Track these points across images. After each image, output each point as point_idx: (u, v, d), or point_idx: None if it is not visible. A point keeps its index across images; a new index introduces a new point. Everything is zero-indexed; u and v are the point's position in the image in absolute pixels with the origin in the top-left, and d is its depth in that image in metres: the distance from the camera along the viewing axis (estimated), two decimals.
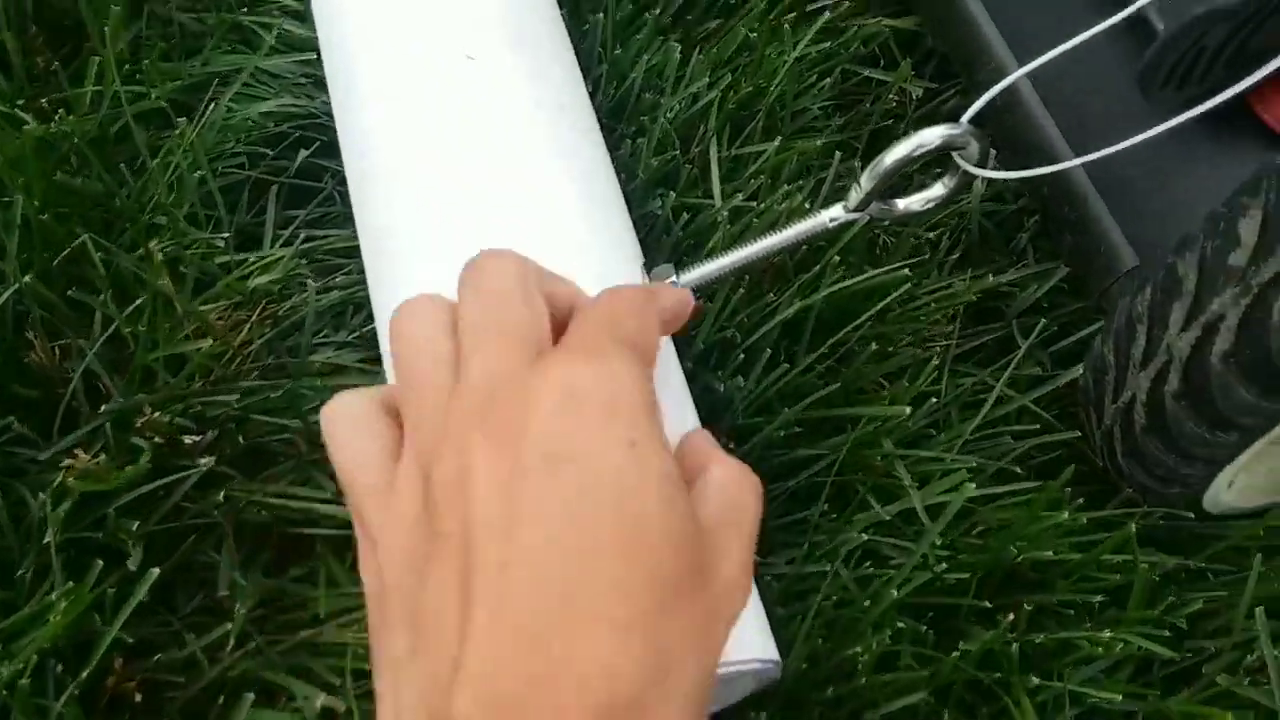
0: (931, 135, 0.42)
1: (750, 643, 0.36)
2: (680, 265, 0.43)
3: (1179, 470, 0.42)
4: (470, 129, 0.46)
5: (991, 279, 0.55)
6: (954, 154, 0.43)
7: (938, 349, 0.54)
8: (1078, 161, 0.45)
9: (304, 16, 0.62)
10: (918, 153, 0.42)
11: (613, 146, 0.57)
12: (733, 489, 0.30)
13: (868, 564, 0.48)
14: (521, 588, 0.24)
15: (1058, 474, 0.52)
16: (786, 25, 0.58)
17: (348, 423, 0.31)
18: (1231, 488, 0.49)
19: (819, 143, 0.59)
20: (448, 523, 0.26)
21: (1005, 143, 0.56)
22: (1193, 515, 0.46)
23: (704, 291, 0.46)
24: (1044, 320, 0.52)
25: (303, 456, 0.51)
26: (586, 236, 0.44)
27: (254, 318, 0.53)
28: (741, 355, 0.49)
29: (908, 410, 0.46)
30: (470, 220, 0.45)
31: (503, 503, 0.25)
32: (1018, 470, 0.48)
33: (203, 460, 0.48)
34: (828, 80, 0.60)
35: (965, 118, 0.42)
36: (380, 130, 0.48)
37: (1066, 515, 0.44)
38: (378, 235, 0.48)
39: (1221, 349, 0.36)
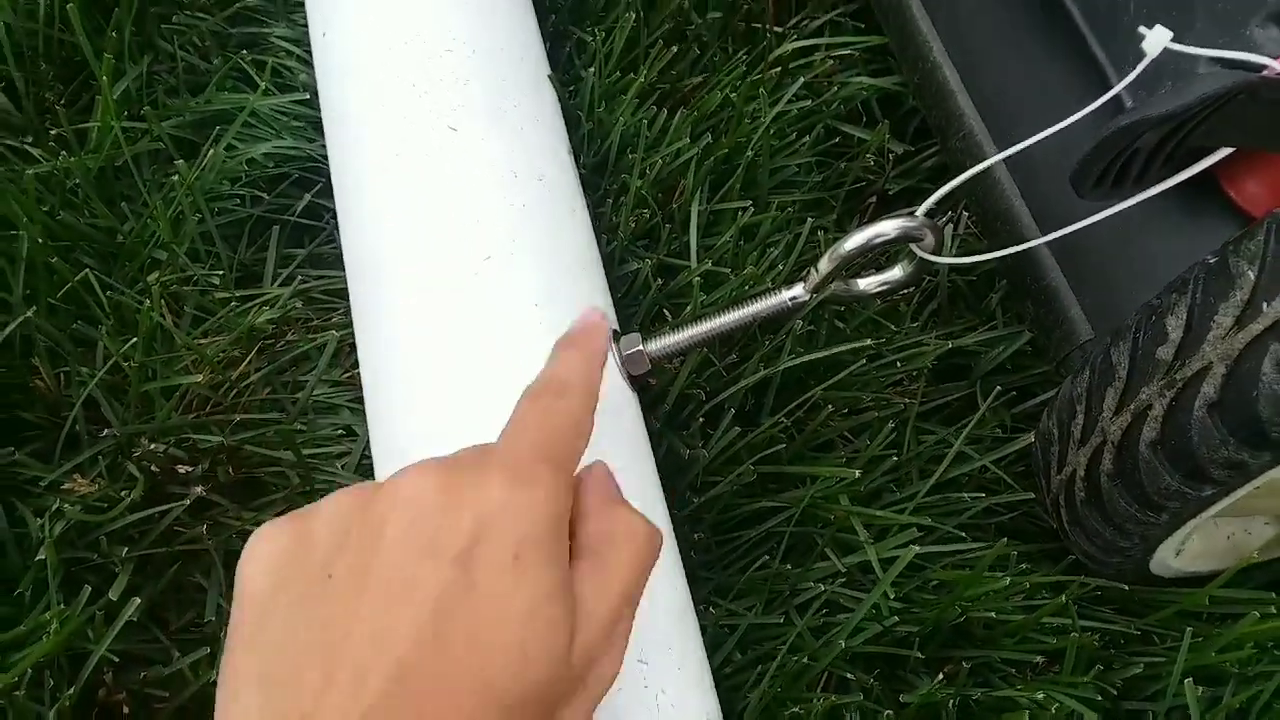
0: (889, 227, 0.44)
1: (695, 705, 0.38)
2: (648, 335, 0.46)
3: (1117, 543, 0.44)
4: (447, 200, 0.49)
5: (957, 340, 0.57)
6: (911, 245, 0.45)
7: (903, 405, 0.56)
8: (1032, 244, 0.47)
9: (305, 59, 0.64)
10: (876, 242, 0.44)
11: (597, 203, 0.59)
12: (610, 555, 0.32)
13: (823, 613, 0.50)
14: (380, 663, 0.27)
15: (1021, 531, 0.54)
16: (763, 90, 0.60)
17: None
18: (1181, 555, 0.50)
19: (796, 198, 0.61)
20: (350, 558, 0.29)
21: (974, 206, 0.58)
22: (1124, 587, 0.48)
23: (670, 359, 0.48)
24: (999, 387, 0.55)
25: (293, 489, 0.53)
26: (552, 308, 0.47)
27: (251, 354, 0.56)
28: (702, 418, 0.51)
29: (857, 474, 0.48)
30: (439, 282, 0.47)
31: (397, 577, 0.29)
32: (962, 534, 0.50)
33: (196, 489, 0.51)
34: (808, 138, 0.62)
35: (920, 210, 0.44)
36: (365, 197, 0.51)
37: (1008, 581, 0.46)
38: (362, 287, 0.51)
39: (1149, 436, 0.38)
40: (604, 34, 0.62)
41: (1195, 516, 0.41)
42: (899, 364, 0.55)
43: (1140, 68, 0.42)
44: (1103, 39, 0.54)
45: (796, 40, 0.65)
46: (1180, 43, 0.45)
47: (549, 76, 0.58)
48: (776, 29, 0.68)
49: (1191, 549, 0.52)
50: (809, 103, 0.63)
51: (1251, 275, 0.35)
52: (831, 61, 0.65)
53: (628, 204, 0.57)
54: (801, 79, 0.64)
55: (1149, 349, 0.38)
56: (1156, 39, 0.41)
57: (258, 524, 0.52)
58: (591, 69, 0.60)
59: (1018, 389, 0.57)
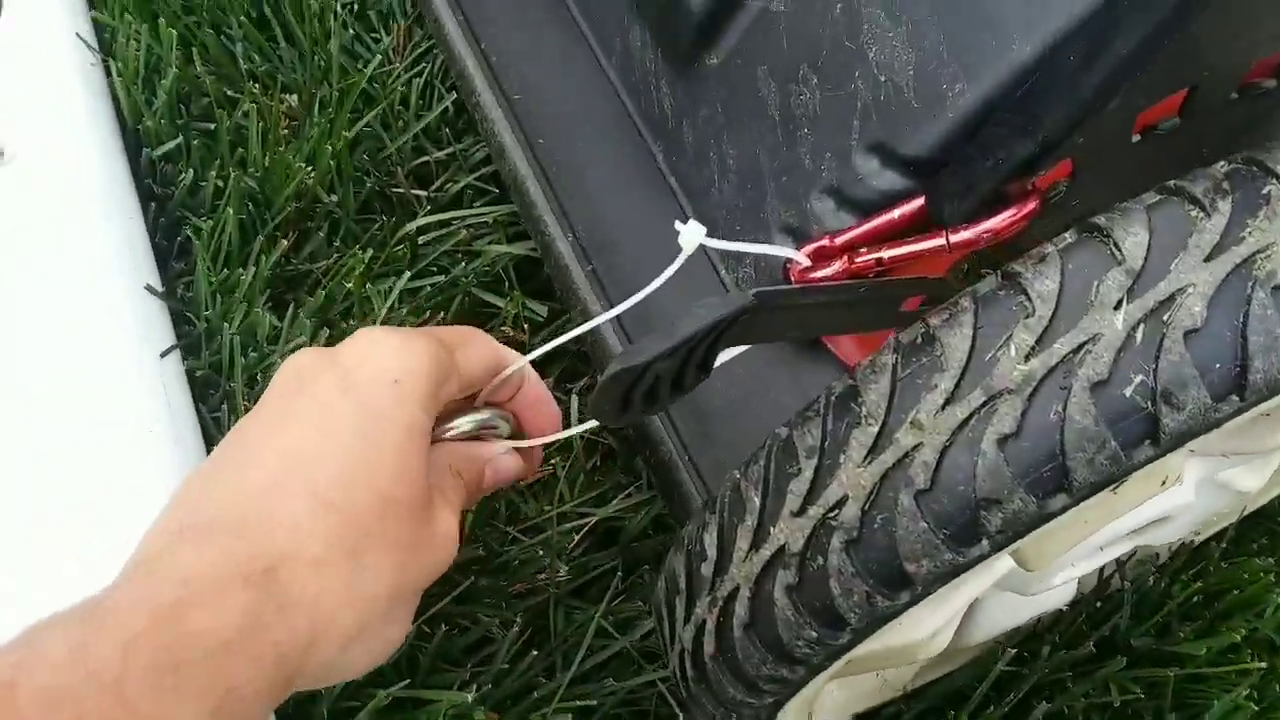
0: (463, 422, 0.43)
1: None
2: None
3: None
4: None
5: (601, 509, 0.57)
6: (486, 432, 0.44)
7: (552, 586, 0.55)
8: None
9: None
10: (448, 435, 0.42)
11: (214, 406, 0.56)
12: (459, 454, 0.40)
13: None
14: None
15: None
16: (358, 283, 0.59)
17: None
18: (820, 714, 0.51)
19: None
20: None
21: (597, 375, 0.59)
22: None
23: None
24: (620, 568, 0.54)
25: None
26: None
27: None
28: None
29: (469, 698, 0.46)
30: None
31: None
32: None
33: None
34: (445, 313, 0.61)
35: (480, 399, 0.43)
36: None
37: None
38: None
39: (709, 649, 0.38)
40: (214, 225, 0.60)
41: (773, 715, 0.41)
42: (539, 551, 0.54)
43: (678, 263, 0.42)
44: (693, 200, 0.56)
45: (430, 214, 0.64)
46: (757, 212, 0.47)
47: (146, 287, 0.55)
48: (418, 193, 0.67)
49: (834, 701, 0.53)
50: (443, 278, 0.62)
51: (757, 500, 0.35)
52: (466, 230, 0.64)
53: (238, 408, 0.54)
54: (439, 249, 0.63)
55: (695, 566, 0.38)
56: (690, 235, 0.42)
57: None
58: (201, 266, 0.58)
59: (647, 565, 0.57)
